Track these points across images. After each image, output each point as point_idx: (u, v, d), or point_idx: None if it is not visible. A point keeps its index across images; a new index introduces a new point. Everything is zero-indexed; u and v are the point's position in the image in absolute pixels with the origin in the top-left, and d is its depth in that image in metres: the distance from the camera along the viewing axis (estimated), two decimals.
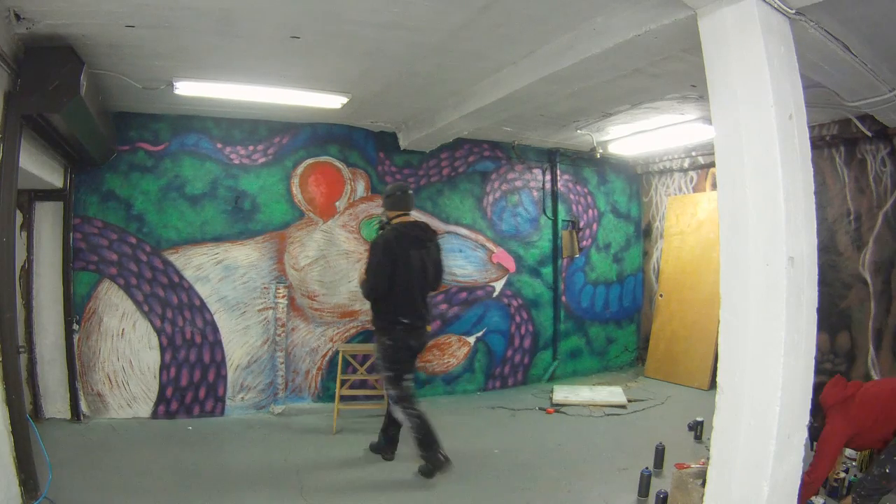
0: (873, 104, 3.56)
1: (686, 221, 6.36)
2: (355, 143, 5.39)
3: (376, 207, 5.45)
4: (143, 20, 2.83)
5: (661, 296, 6.51)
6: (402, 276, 3.49)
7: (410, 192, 3.79)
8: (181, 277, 4.78)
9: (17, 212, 3.83)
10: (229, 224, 4.94)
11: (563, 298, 6.37)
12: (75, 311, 4.47)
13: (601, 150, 5.83)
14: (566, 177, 6.48)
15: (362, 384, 5.00)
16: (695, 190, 6.42)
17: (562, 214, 6.39)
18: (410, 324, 3.54)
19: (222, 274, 4.89)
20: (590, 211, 6.66)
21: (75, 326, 4.46)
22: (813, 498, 2.91)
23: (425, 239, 3.66)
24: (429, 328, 3.82)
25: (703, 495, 2.14)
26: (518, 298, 6.13)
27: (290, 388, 5.09)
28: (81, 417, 4.44)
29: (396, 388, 3.55)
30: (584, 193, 6.63)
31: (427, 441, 3.44)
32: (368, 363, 4.92)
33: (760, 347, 1.92)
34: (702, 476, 2.66)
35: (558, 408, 4.92)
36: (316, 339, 5.18)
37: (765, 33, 1.98)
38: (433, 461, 3.43)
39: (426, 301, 3.70)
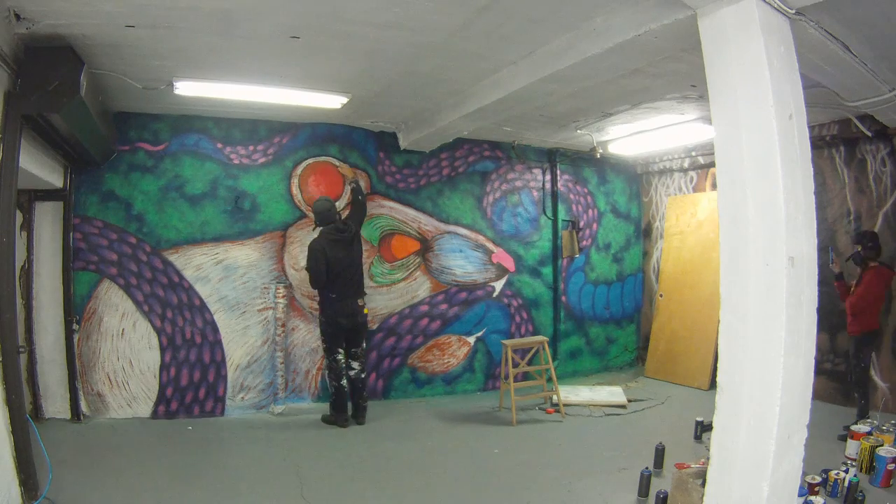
0: (873, 104, 3.56)
1: (686, 221, 6.36)
2: (355, 143, 5.39)
3: (377, 207, 5.46)
4: (143, 20, 2.83)
5: (661, 296, 6.51)
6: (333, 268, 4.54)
7: (332, 210, 4.66)
8: (181, 277, 4.78)
9: (17, 212, 3.84)
10: (229, 224, 4.94)
11: (563, 298, 6.37)
12: (75, 311, 4.47)
13: (601, 150, 5.83)
14: (566, 177, 6.48)
15: None
16: (695, 190, 6.42)
17: (562, 214, 6.39)
18: (338, 297, 4.54)
19: (222, 274, 4.89)
20: (590, 211, 6.66)
21: (75, 326, 4.46)
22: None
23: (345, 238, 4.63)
24: (366, 310, 4.70)
25: (703, 495, 2.14)
26: (518, 298, 6.13)
27: (290, 388, 5.09)
28: (81, 417, 4.44)
29: (328, 359, 4.66)
30: (584, 193, 6.63)
31: (337, 406, 4.63)
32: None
33: (760, 347, 1.92)
34: (702, 476, 2.66)
35: (558, 407, 4.92)
36: (316, 339, 5.17)
37: (765, 33, 1.98)
38: (336, 420, 4.61)
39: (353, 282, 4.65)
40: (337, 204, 5.31)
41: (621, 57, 2.88)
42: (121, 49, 3.21)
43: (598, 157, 5.91)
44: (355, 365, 4.69)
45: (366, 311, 4.72)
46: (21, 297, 4.19)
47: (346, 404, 4.64)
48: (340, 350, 4.61)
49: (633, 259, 6.97)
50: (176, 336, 4.75)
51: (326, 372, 4.74)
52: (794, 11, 2.13)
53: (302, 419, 4.78)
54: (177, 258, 4.77)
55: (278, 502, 3.23)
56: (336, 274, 4.53)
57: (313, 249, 4.54)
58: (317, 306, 5.18)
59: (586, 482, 3.51)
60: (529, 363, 5.18)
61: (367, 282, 5.36)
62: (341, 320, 4.55)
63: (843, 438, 3.79)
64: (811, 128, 3.65)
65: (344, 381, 4.61)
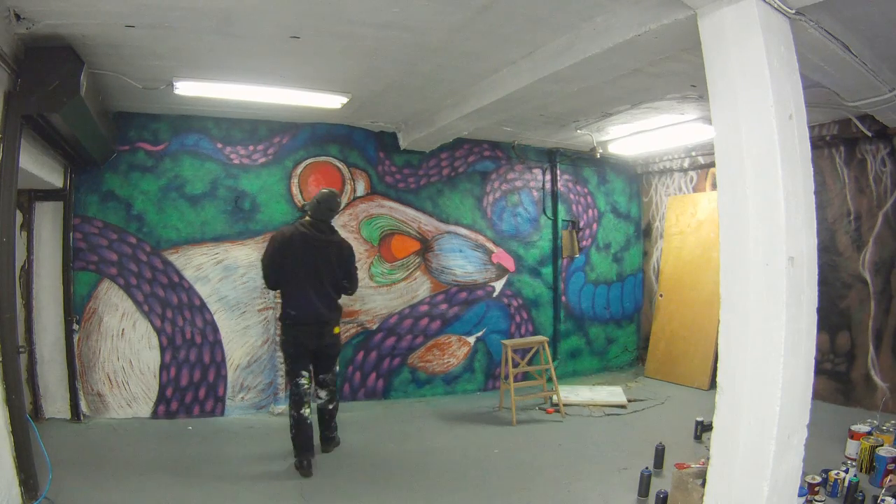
0: (873, 104, 3.56)
1: (686, 221, 6.36)
2: (355, 143, 5.39)
3: (377, 207, 5.46)
4: (143, 20, 2.83)
5: (661, 296, 6.51)
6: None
7: (335, 204, 3.90)
8: (181, 277, 4.78)
9: (17, 212, 3.84)
10: (229, 224, 4.94)
11: (563, 298, 6.37)
12: (75, 311, 4.47)
13: (601, 150, 5.83)
14: (566, 177, 6.48)
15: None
16: (695, 190, 6.42)
17: (562, 214, 6.39)
18: (297, 312, 3.73)
19: (222, 274, 4.89)
20: (590, 211, 6.66)
21: (75, 326, 4.46)
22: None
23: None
24: (336, 330, 3.91)
25: (703, 495, 2.14)
26: (518, 298, 6.13)
27: None
28: (81, 417, 4.43)
29: (289, 381, 3.83)
30: (584, 193, 6.63)
31: (297, 442, 3.65)
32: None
33: (760, 347, 1.92)
34: (702, 476, 2.66)
35: (558, 407, 4.92)
36: None
37: (765, 33, 1.98)
38: (295, 461, 3.66)
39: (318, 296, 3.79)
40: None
41: (621, 57, 2.88)
42: (121, 49, 3.21)
43: (598, 157, 5.91)
44: (322, 394, 3.92)
45: (336, 330, 3.88)
46: (21, 297, 4.18)
47: (309, 441, 3.64)
48: (304, 373, 3.71)
49: (633, 259, 6.97)
50: (176, 336, 4.75)
51: (286, 396, 3.74)
52: (794, 11, 2.13)
53: None
54: (177, 258, 4.77)
55: (278, 502, 3.23)
56: (289, 276, 3.71)
57: (273, 237, 3.84)
58: None
59: (586, 482, 3.51)
60: (529, 363, 5.18)
61: (367, 282, 5.38)
62: (304, 340, 3.70)
63: None
64: (811, 128, 3.66)
65: (306, 411, 3.64)
